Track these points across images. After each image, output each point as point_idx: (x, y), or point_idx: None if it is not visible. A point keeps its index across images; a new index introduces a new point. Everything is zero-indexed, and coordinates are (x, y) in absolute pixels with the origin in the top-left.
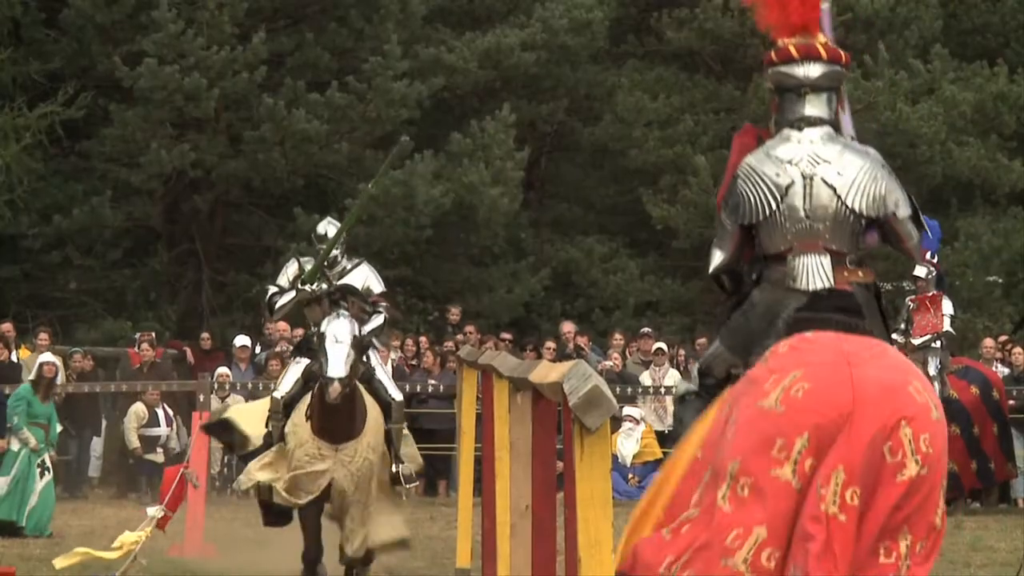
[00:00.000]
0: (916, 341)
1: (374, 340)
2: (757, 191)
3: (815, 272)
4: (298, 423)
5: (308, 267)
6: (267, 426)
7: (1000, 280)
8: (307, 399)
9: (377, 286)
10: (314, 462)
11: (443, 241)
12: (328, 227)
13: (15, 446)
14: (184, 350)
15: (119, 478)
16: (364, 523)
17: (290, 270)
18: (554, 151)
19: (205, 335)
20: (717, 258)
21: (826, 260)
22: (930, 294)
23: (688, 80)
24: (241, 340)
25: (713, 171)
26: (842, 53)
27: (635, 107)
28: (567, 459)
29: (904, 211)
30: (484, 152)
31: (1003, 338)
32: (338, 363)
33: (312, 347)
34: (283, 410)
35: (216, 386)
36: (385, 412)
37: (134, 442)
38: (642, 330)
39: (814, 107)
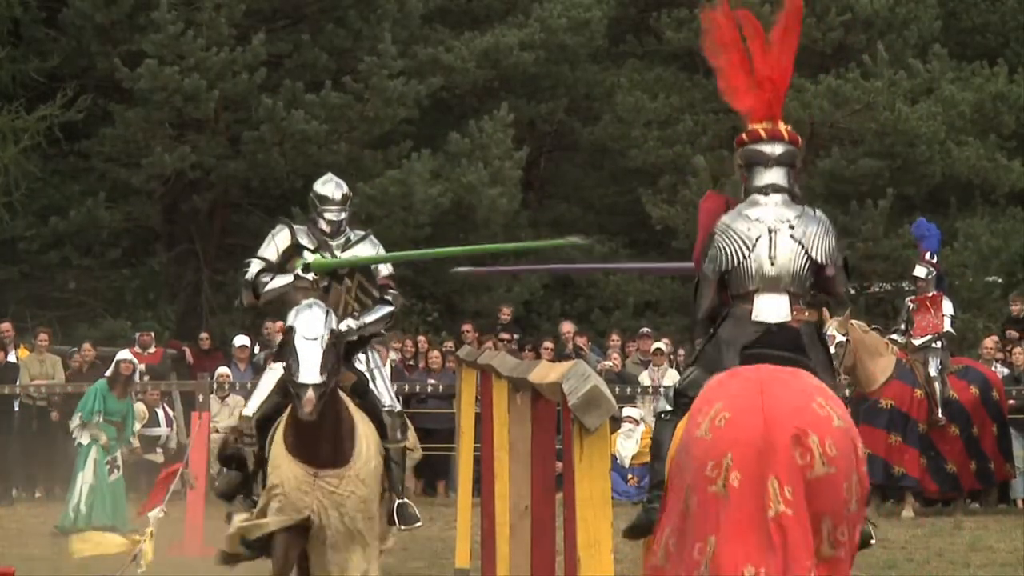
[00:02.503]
0: (916, 341)
1: (376, 336)
2: (732, 243)
3: (775, 309)
4: (278, 446)
5: (302, 239)
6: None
7: (1000, 280)
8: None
9: (384, 266)
10: (301, 487)
11: (442, 241)
12: (335, 190)
13: (85, 439)
14: (184, 350)
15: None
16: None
17: (279, 239)
18: (553, 151)
19: (204, 335)
20: (704, 304)
21: (784, 299)
22: (930, 294)
23: (687, 80)
24: (240, 340)
25: (713, 171)
26: (799, 137)
27: (634, 107)
28: (566, 459)
29: (841, 270)
30: (482, 152)
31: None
32: (311, 366)
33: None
34: (257, 432)
35: (216, 386)
36: (381, 430)
37: (134, 442)
38: (641, 330)
39: (777, 178)
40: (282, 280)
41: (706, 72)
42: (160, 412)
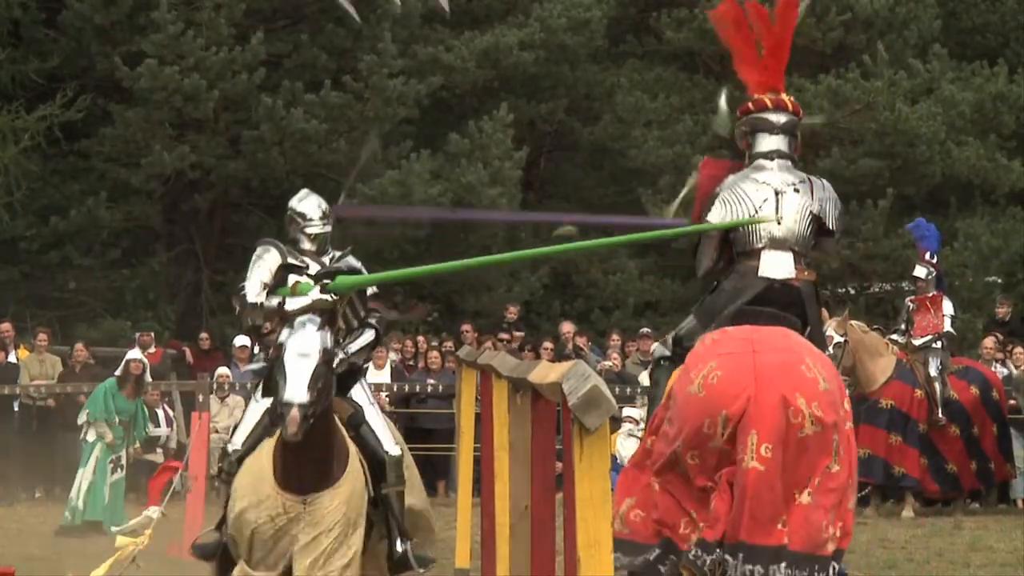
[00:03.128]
0: (917, 341)
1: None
2: (739, 203)
3: (780, 265)
4: (255, 469)
5: (291, 260)
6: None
7: (1000, 280)
8: (268, 443)
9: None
10: (277, 521)
11: (442, 241)
12: (314, 205)
13: (91, 436)
14: (184, 350)
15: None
16: None
17: (269, 260)
18: (553, 151)
19: (204, 335)
20: (705, 263)
21: (789, 257)
22: (930, 294)
23: (687, 80)
24: (240, 340)
25: None
26: (800, 108)
27: (634, 107)
28: (566, 459)
29: (837, 228)
30: (482, 152)
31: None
32: (299, 384)
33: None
34: (238, 468)
35: (216, 386)
36: (377, 471)
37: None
38: (641, 330)
39: (781, 144)
40: (268, 310)
41: (706, 72)
42: (160, 412)
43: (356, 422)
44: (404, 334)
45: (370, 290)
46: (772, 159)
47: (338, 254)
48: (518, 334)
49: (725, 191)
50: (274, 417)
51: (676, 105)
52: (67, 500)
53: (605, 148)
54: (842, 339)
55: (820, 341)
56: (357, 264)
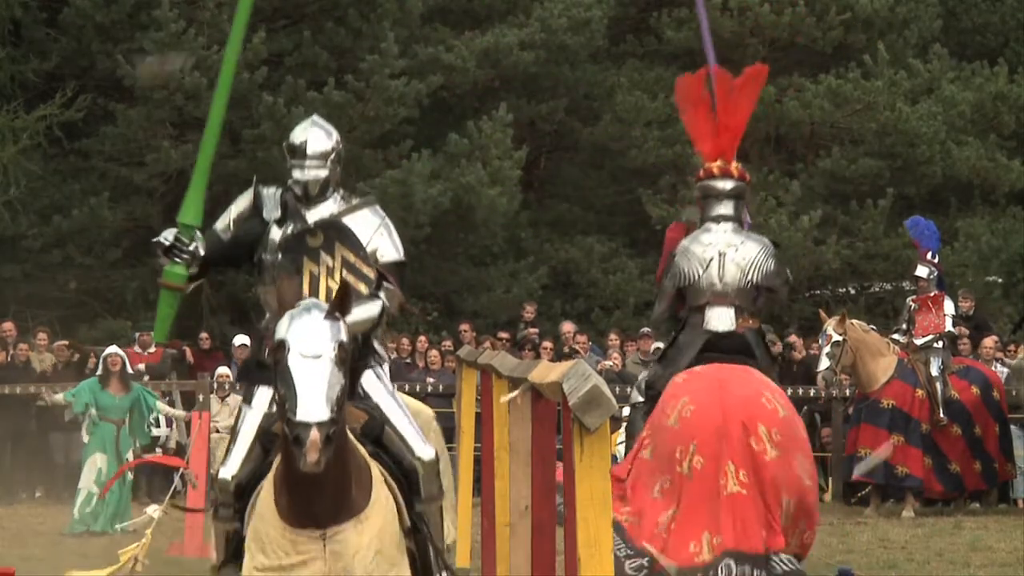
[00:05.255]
0: (918, 341)
1: (375, 346)
2: (689, 264)
3: (723, 319)
4: (266, 512)
5: (267, 208)
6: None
7: (1000, 280)
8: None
9: (390, 249)
10: (290, 558)
11: (442, 241)
12: (313, 138)
13: (86, 438)
14: (184, 350)
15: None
16: None
17: (239, 204)
18: (553, 151)
19: (204, 335)
20: (656, 312)
21: (731, 312)
22: (932, 294)
23: None
24: (240, 339)
25: None
26: (747, 174)
27: (634, 107)
28: (567, 459)
29: (781, 284)
30: (482, 152)
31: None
32: (314, 397)
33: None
34: (236, 500)
35: (216, 386)
36: (409, 484)
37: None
38: (642, 330)
39: (727, 208)
40: (215, 248)
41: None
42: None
43: (374, 431)
44: (399, 333)
45: (391, 253)
46: (719, 223)
47: (354, 201)
48: (533, 331)
49: (678, 254)
50: (266, 440)
51: (676, 105)
52: (69, 503)
53: (605, 148)
54: (840, 338)
55: (773, 379)
56: (378, 219)
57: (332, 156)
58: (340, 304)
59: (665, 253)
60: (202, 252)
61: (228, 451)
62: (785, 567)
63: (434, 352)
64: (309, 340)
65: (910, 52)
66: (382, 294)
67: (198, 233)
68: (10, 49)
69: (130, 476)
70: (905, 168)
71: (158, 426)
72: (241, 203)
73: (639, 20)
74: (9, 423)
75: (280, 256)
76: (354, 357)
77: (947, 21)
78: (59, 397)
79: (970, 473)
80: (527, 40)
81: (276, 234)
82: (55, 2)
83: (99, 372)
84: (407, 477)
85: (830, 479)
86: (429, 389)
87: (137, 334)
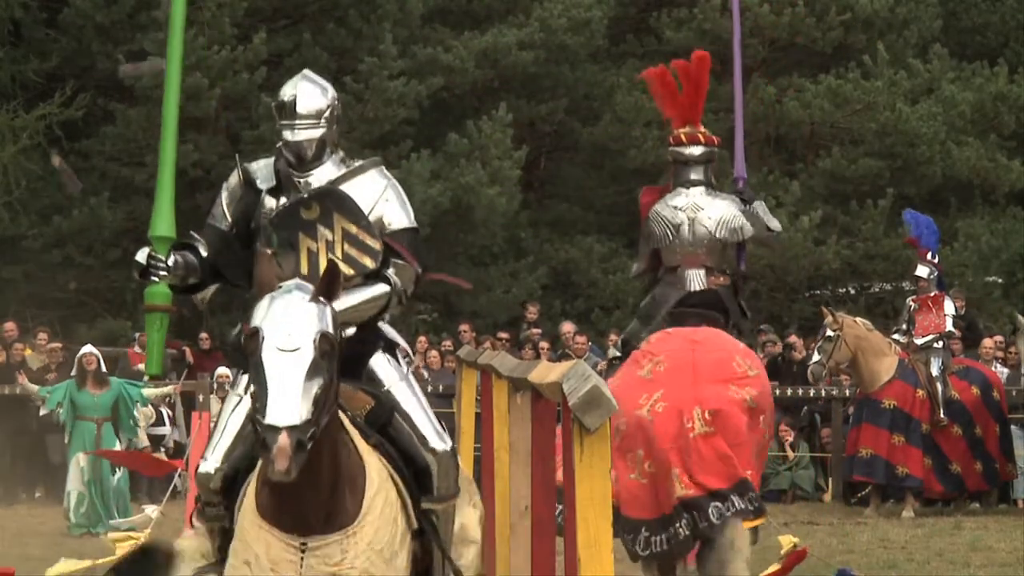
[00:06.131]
0: (919, 341)
1: (389, 334)
2: (661, 227)
3: (694, 279)
4: (247, 508)
5: (259, 180)
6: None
7: (1000, 280)
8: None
9: (399, 215)
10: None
11: (441, 241)
12: (303, 94)
13: (66, 438)
14: (184, 350)
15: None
16: None
17: (230, 189)
18: (553, 151)
19: (204, 335)
20: (636, 268)
21: (702, 271)
22: (932, 294)
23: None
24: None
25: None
26: (714, 138)
27: (634, 107)
28: (566, 459)
29: (751, 231)
30: (481, 152)
31: (998, 337)
32: (286, 398)
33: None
34: (223, 497)
35: (216, 386)
36: (419, 479)
37: (144, 441)
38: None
39: (696, 173)
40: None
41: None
42: (164, 412)
43: (381, 418)
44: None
45: (401, 220)
46: (688, 187)
47: (356, 163)
48: (536, 331)
49: (651, 217)
50: (249, 436)
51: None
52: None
53: (605, 148)
54: (832, 333)
55: (741, 328)
56: (386, 181)
57: (327, 114)
58: (326, 286)
59: (642, 216)
60: (203, 252)
61: (210, 442)
62: (737, 507)
63: (434, 352)
64: (287, 330)
65: (910, 52)
66: (390, 271)
67: (199, 241)
68: (10, 49)
69: (119, 472)
70: (905, 168)
71: (153, 421)
72: (230, 185)
73: (639, 20)
74: (9, 423)
75: (272, 231)
76: (343, 348)
77: (947, 21)
78: (34, 387)
79: (971, 473)
80: (527, 40)
81: (271, 203)
82: (55, 2)
83: (74, 372)
84: (416, 472)
85: (830, 479)
86: (429, 389)
87: (137, 334)
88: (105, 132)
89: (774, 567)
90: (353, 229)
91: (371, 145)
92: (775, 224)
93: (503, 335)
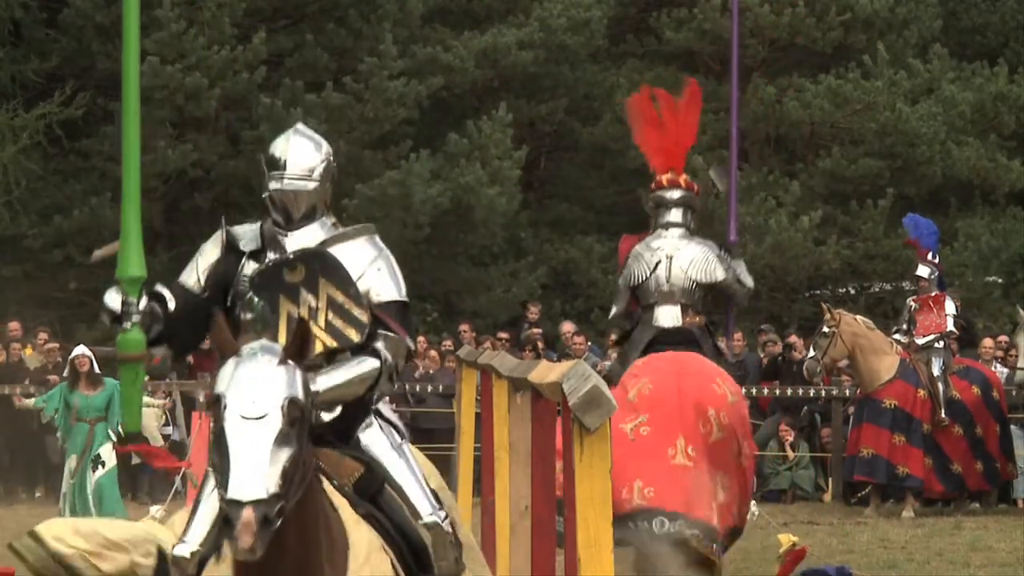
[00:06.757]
0: (920, 341)
1: (381, 409)
2: (639, 266)
3: (669, 316)
4: None
5: (243, 242)
6: None
7: (1000, 280)
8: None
9: (388, 287)
10: None
11: (441, 241)
12: (294, 148)
13: (60, 442)
14: None
15: (121, 478)
16: None
17: (207, 253)
18: (553, 151)
19: None
20: (614, 310)
21: (676, 309)
22: (933, 294)
23: (687, 80)
24: None
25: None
26: (695, 185)
27: None
28: (566, 459)
29: (723, 276)
30: (481, 152)
31: (1002, 338)
32: (251, 470)
33: None
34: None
35: None
36: (418, 558)
37: (159, 440)
38: None
39: (676, 216)
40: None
41: (706, 72)
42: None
43: (371, 488)
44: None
45: (391, 291)
46: (668, 229)
47: (347, 230)
48: (536, 331)
49: (631, 257)
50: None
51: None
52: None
53: (605, 148)
54: (828, 329)
55: (722, 367)
56: (373, 251)
57: (320, 170)
58: (296, 347)
59: (621, 258)
60: (171, 306)
61: (189, 520)
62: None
63: (434, 352)
64: (252, 396)
65: (910, 52)
66: (379, 344)
67: (166, 293)
68: (10, 49)
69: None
70: (905, 168)
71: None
72: (209, 250)
73: (639, 20)
74: (9, 423)
75: (250, 293)
76: (351, 416)
77: (947, 21)
78: (30, 402)
79: (972, 473)
80: (526, 40)
81: (252, 267)
82: (55, 2)
83: (66, 373)
84: (413, 549)
85: (830, 479)
86: (429, 389)
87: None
88: (105, 132)
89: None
90: (339, 297)
91: (371, 145)
92: (748, 281)
93: (503, 335)
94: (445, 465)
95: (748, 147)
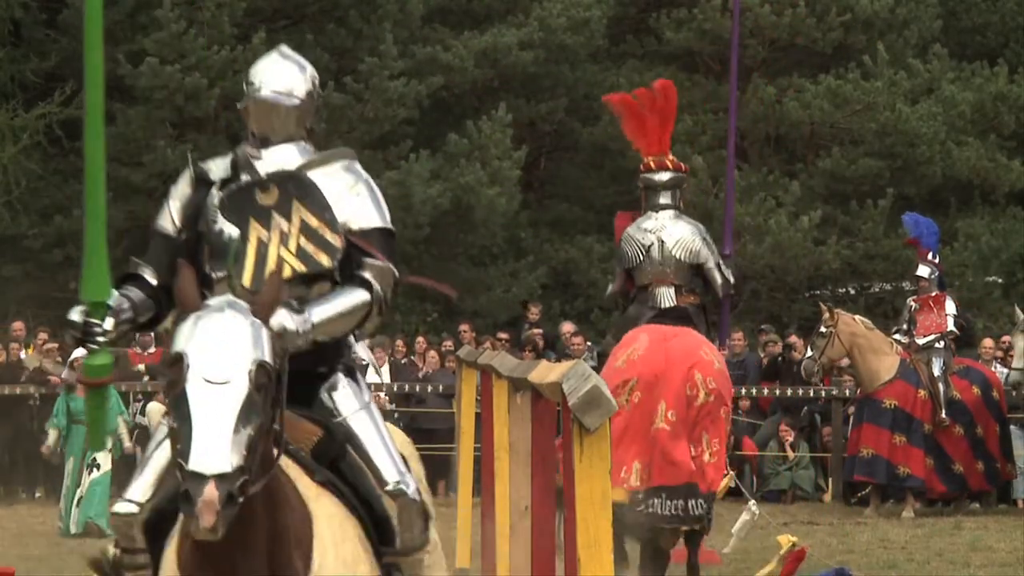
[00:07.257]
0: (920, 341)
1: (355, 347)
2: (633, 248)
3: (664, 297)
4: (166, 564)
5: (213, 170)
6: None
7: (1000, 280)
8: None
9: (371, 213)
10: None
11: (441, 241)
12: (274, 70)
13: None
14: None
15: (122, 477)
16: None
17: (178, 191)
18: (553, 151)
19: None
20: (610, 288)
21: (671, 290)
22: (933, 294)
23: (687, 80)
24: None
25: (712, 171)
26: (682, 165)
27: None
28: (566, 459)
29: (710, 263)
30: (481, 152)
31: (1005, 338)
32: (215, 440)
33: None
34: (146, 540)
35: None
36: (379, 529)
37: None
38: None
39: (665, 198)
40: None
41: (706, 72)
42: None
43: (331, 452)
44: (403, 334)
45: (373, 219)
46: (658, 211)
47: (326, 153)
48: (537, 331)
49: (624, 239)
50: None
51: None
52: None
53: (605, 148)
54: (826, 329)
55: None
56: (352, 176)
57: (302, 92)
58: (269, 300)
59: (616, 239)
60: (152, 280)
61: (133, 477)
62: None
63: (434, 352)
64: (216, 357)
65: (910, 52)
66: (367, 274)
67: (135, 285)
68: (10, 49)
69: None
70: (905, 168)
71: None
72: (180, 188)
73: (639, 20)
74: (9, 423)
75: (218, 219)
76: (312, 360)
77: (947, 21)
78: (52, 437)
79: (973, 473)
80: (526, 40)
81: (218, 197)
82: (55, 2)
83: (64, 375)
84: (375, 520)
85: (830, 479)
86: (429, 389)
87: (137, 334)
88: (105, 132)
89: (770, 566)
90: (314, 222)
91: (371, 145)
92: (729, 276)
93: (503, 335)
94: (445, 465)
95: (748, 147)
